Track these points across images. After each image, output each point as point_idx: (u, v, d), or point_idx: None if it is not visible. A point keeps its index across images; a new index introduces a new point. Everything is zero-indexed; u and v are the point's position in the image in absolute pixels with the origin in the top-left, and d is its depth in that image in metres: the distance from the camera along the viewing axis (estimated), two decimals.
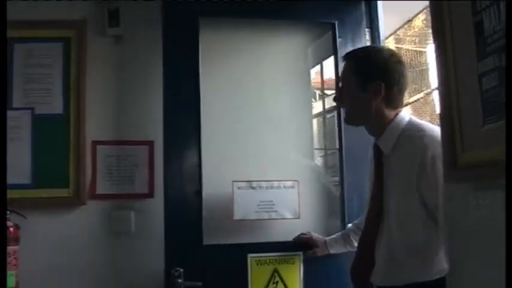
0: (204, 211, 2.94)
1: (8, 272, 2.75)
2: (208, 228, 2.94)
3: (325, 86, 3.94)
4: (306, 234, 3.01)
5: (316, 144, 3.49)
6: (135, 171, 3.12)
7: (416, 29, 7.37)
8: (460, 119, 1.47)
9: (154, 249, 2.95)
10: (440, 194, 2.02)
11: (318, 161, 3.57)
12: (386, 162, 2.31)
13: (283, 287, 2.98)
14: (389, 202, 2.26)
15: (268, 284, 2.96)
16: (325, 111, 3.81)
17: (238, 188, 3.01)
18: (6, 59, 2.32)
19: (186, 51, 3.02)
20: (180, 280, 2.76)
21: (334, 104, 2.95)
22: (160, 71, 2.98)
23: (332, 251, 2.93)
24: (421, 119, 2.66)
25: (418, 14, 6.90)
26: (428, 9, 1.68)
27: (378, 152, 2.35)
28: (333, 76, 3.35)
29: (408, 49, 7.30)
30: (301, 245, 3.00)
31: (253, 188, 3.03)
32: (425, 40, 7.13)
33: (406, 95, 2.42)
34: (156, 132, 3.03)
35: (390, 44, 6.80)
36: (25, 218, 2.87)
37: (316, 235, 3.00)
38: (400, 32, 7.32)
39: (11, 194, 2.83)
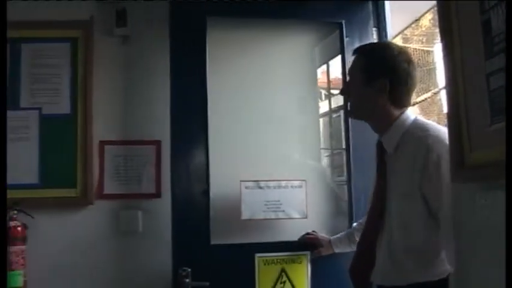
0: (211, 211, 2.95)
1: (16, 272, 2.76)
2: (215, 228, 2.95)
3: (332, 86, 3.93)
4: (310, 234, 3.02)
5: (322, 144, 3.49)
6: (143, 171, 3.13)
7: (423, 28, 7.34)
8: (468, 119, 1.46)
9: (162, 249, 2.96)
10: (443, 195, 2.02)
11: (325, 160, 3.56)
12: (389, 161, 2.29)
13: (291, 287, 2.98)
14: (391, 201, 2.25)
15: (275, 284, 2.96)
16: (331, 111, 3.80)
17: (246, 187, 3.01)
18: (6, 59, 2.32)
19: (193, 51, 3.03)
20: (187, 280, 2.76)
21: (341, 104, 2.95)
22: (167, 70, 2.99)
23: (337, 250, 2.93)
24: (429, 119, 2.66)
25: (425, 13, 6.88)
26: (436, 8, 1.68)
27: (380, 150, 2.34)
28: (340, 76, 3.34)
29: (415, 48, 7.27)
30: (306, 245, 3.01)
31: (260, 187, 3.03)
32: (433, 39, 7.11)
33: (413, 94, 2.41)
34: (163, 132, 3.04)
35: (397, 43, 6.78)
36: (33, 217, 2.88)
37: (321, 235, 3.01)
38: (408, 32, 7.30)
39: (18, 193, 2.88)
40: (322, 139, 3.52)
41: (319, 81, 3.62)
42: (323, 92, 4.05)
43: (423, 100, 7.14)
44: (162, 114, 3.04)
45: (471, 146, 1.45)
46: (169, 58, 2.99)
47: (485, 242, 1.43)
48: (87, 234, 3.04)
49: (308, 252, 3.00)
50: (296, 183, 3.07)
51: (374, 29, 3.29)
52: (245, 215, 3.00)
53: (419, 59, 7.09)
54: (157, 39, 3.14)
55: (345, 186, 3.19)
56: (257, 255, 2.95)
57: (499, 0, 1.28)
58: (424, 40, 7.46)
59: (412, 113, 2.34)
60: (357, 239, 2.78)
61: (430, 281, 2.08)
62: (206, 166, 2.98)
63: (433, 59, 7.16)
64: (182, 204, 2.94)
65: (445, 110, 1.62)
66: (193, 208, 2.94)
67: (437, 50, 6.92)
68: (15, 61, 3.07)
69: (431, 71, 7.15)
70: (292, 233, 3.03)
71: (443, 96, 6.31)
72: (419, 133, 2.20)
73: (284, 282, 2.97)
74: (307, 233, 3.02)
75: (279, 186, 3.05)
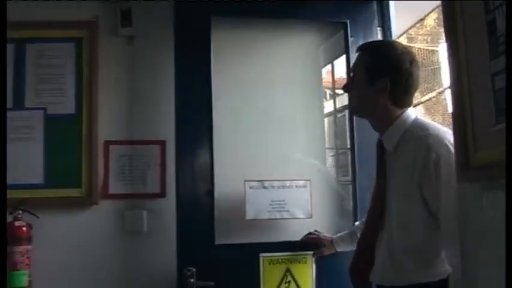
0: (216, 211, 2.95)
1: (21, 271, 2.77)
2: (220, 228, 2.95)
3: (336, 86, 3.93)
4: (313, 233, 3.01)
5: (327, 144, 3.49)
6: (147, 171, 3.13)
7: (428, 28, 7.33)
8: (473, 118, 1.46)
9: (167, 248, 2.96)
10: (443, 194, 2.02)
11: (329, 160, 3.56)
12: (389, 160, 2.29)
13: (296, 287, 2.98)
14: (391, 201, 2.24)
15: (280, 284, 2.96)
16: (336, 111, 3.80)
17: (250, 187, 3.01)
18: (6, 59, 2.32)
19: (198, 50, 3.03)
20: (192, 280, 2.76)
21: (346, 103, 2.94)
22: (172, 70, 2.99)
23: (339, 249, 2.93)
24: (433, 118, 2.65)
25: (430, 12, 6.86)
26: (441, 8, 1.68)
27: (381, 149, 2.34)
28: (344, 75, 3.34)
29: (420, 48, 7.26)
30: (309, 244, 3.00)
31: (265, 187, 3.03)
32: (438, 39, 7.09)
33: (417, 94, 2.40)
34: (168, 132, 3.04)
35: (402, 43, 6.77)
36: (37, 217, 2.88)
37: (323, 234, 3.00)
38: (412, 31, 7.28)
39: (23, 193, 2.89)
40: (327, 139, 3.52)
41: (324, 80, 3.62)
42: (328, 91, 4.05)
43: (428, 100, 7.13)
44: (166, 114, 3.04)
45: (476, 146, 1.45)
46: (174, 58, 2.99)
47: (491, 242, 1.42)
48: (92, 234, 3.04)
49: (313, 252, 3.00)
50: (301, 183, 3.07)
51: (379, 28, 3.29)
52: (249, 214, 3.00)
53: (424, 59, 7.08)
54: (162, 39, 3.14)
55: (350, 186, 3.19)
56: (262, 255, 2.95)
57: (503, 0, 1.28)
58: (428, 40, 7.44)
59: (412, 112, 2.34)
60: None
61: (431, 282, 2.08)
62: (211, 166, 2.98)
63: (437, 59, 7.14)
64: (187, 204, 2.94)
65: (450, 109, 1.62)
66: (197, 208, 2.95)
67: (442, 50, 6.90)
68: (20, 61, 3.08)
69: (436, 71, 7.14)
70: (297, 232, 3.03)
71: (448, 96, 6.30)
72: (419, 132, 2.20)
73: (289, 282, 2.97)
74: (310, 233, 3.01)
75: (284, 186, 3.05)
